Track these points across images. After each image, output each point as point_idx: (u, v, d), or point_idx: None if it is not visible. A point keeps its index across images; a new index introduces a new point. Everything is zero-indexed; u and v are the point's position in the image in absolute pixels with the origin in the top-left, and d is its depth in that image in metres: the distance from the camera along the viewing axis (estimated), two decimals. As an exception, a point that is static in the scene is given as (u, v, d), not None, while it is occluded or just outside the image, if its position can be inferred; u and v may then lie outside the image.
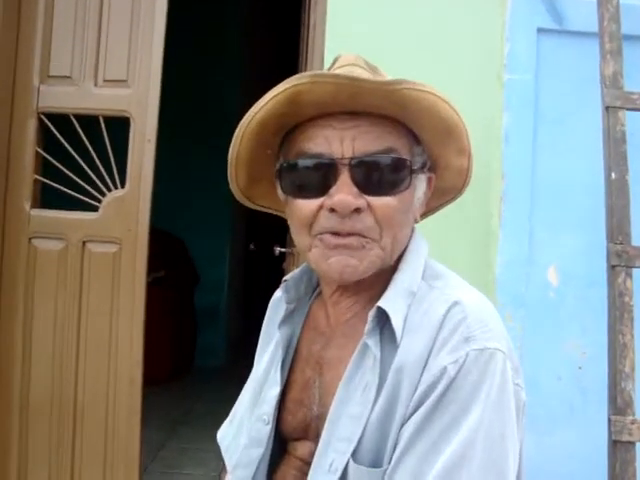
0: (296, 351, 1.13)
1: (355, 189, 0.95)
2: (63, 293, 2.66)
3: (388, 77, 1.01)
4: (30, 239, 2.69)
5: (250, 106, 1.01)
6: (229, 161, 1.06)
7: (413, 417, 0.89)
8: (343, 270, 0.96)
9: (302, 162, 0.98)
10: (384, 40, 2.47)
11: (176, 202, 5.45)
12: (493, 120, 2.42)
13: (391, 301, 0.97)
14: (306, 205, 0.98)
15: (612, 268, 1.87)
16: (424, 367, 0.91)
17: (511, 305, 2.38)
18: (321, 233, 0.98)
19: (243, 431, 1.13)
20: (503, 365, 0.90)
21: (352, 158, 0.95)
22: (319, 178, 0.97)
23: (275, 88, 0.97)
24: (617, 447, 1.77)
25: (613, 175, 1.91)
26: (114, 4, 2.70)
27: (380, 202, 0.96)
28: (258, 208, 1.21)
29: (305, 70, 2.67)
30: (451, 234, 1.63)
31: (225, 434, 1.23)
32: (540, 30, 2.44)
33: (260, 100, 0.99)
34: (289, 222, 1.07)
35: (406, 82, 0.94)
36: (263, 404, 1.09)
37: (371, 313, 0.96)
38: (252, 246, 3.02)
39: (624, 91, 1.97)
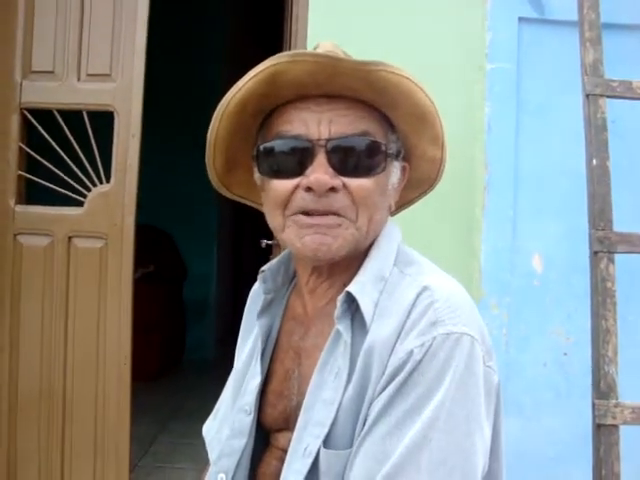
0: (276, 342, 1.14)
1: (331, 170, 0.97)
2: (50, 289, 2.65)
3: None
4: (15, 235, 2.69)
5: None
6: (207, 142, 1.07)
7: (379, 397, 0.91)
8: (318, 248, 0.98)
9: (279, 143, 1.00)
10: (366, 31, 2.48)
11: (163, 196, 5.43)
12: (475, 109, 2.44)
13: (360, 286, 0.98)
14: (282, 185, 0.99)
15: (594, 254, 1.88)
16: (392, 350, 0.92)
17: (497, 293, 2.41)
18: (295, 213, 0.99)
19: (226, 423, 1.14)
20: (471, 348, 0.91)
21: (328, 140, 0.97)
22: (296, 159, 0.98)
23: (255, 68, 0.98)
24: (601, 430, 1.79)
25: (594, 162, 1.92)
26: (96, -2, 2.69)
27: (356, 183, 0.98)
28: (234, 197, 1.22)
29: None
30: (435, 224, 1.65)
31: (209, 428, 1.24)
32: (521, 19, 2.47)
33: (240, 80, 1.00)
34: (264, 206, 1.08)
35: (384, 64, 0.96)
36: (245, 395, 1.10)
37: (340, 297, 0.98)
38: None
39: (604, 79, 1.98)
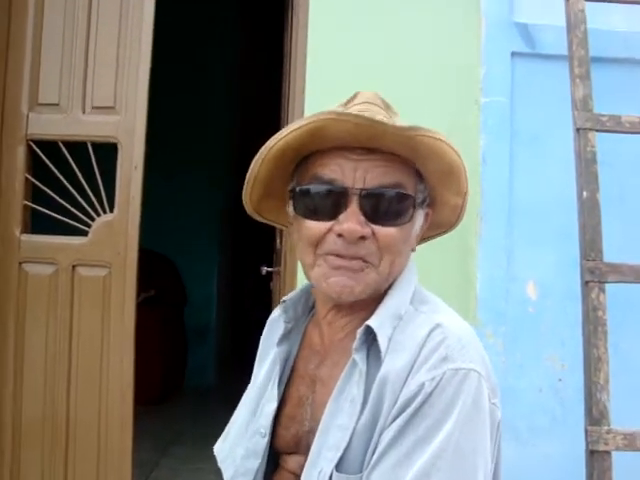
0: (293, 369, 1.19)
1: (362, 218, 1.02)
2: (54, 317, 2.69)
3: (398, 117, 1.10)
4: (20, 264, 2.73)
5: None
6: (247, 180, 1.13)
7: (390, 427, 0.96)
8: (341, 290, 1.04)
9: (316, 186, 1.06)
10: (362, 66, 2.55)
11: (164, 222, 5.49)
12: (471, 141, 2.50)
13: (379, 321, 1.03)
14: (316, 226, 1.05)
15: (586, 284, 1.94)
16: (404, 383, 0.97)
17: (492, 321, 2.45)
18: (326, 254, 1.05)
19: (240, 443, 1.18)
20: (478, 384, 0.96)
21: (362, 189, 1.03)
22: (330, 203, 1.04)
23: (298, 121, 1.05)
24: (594, 456, 1.83)
25: (585, 194, 1.98)
26: (101, 32, 2.75)
27: (384, 231, 1.04)
28: (265, 221, 1.28)
29: (289, 90, 2.75)
30: (432, 253, 1.69)
31: (221, 448, 1.28)
32: (514, 54, 2.54)
33: (283, 130, 1.06)
34: (295, 239, 1.14)
35: (422, 129, 1.01)
36: (260, 418, 1.15)
37: (359, 330, 1.03)
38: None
39: (594, 113, 2.05)
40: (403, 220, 1.06)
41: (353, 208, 1.02)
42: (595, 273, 1.93)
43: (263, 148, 1.08)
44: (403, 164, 1.07)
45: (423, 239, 1.23)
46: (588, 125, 2.04)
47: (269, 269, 3.09)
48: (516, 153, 2.51)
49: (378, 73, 2.54)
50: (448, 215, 1.18)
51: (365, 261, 1.04)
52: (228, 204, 6.44)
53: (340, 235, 1.02)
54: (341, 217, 1.03)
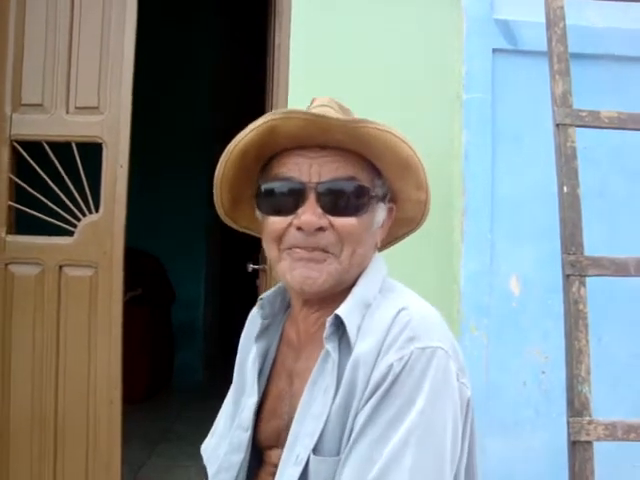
0: (273, 365, 1.23)
1: (320, 210, 1.08)
2: (41, 317, 2.69)
3: (355, 116, 1.14)
4: (6, 265, 2.73)
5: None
6: (214, 183, 1.21)
7: (364, 409, 1.00)
8: (304, 281, 1.09)
9: (276, 185, 1.12)
10: (344, 63, 2.57)
11: (150, 220, 5.47)
12: (453, 138, 2.53)
13: (347, 310, 1.08)
14: (277, 222, 1.11)
15: (567, 277, 1.96)
16: (374, 365, 1.01)
17: (475, 315, 2.48)
18: (288, 248, 1.10)
19: (224, 439, 1.22)
20: (445, 362, 1.01)
21: (318, 183, 1.08)
22: (290, 199, 1.10)
23: (254, 122, 1.10)
24: (576, 447, 1.85)
25: (565, 189, 2.00)
26: (83, 31, 2.76)
27: (341, 221, 1.09)
28: (240, 229, 1.34)
29: (273, 90, 2.77)
30: (415, 250, 1.71)
31: (207, 446, 1.32)
32: (495, 50, 2.56)
33: (241, 132, 1.12)
34: (263, 238, 1.19)
35: (367, 121, 1.07)
36: (242, 412, 1.19)
37: (328, 319, 1.07)
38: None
39: (573, 109, 2.07)
40: (360, 211, 1.10)
41: (310, 201, 1.08)
42: (576, 267, 1.96)
43: (225, 150, 1.15)
44: (358, 160, 1.12)
45: (395, 238, 1.29)
46: (568, 121, 2.06)
47: (255, 266, 3.09)
48: (498, 149, 2.54)
49: (359, 70, 2.56)
50: (412, 211, 1.22)
51: (326, 251, 1.09)
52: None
53: (299, 228, 1.08)
54: (299, 211, 1.08)
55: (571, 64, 2.16)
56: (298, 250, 1.09)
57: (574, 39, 2.21)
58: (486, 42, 2.56)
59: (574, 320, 1.92)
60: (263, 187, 1.14)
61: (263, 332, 1.23)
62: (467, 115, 2.54)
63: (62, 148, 2.76)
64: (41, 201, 2.75)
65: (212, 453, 1.25)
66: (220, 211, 1.27)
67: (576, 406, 1.88)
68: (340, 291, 1.12)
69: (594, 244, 2.06)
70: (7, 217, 2.75)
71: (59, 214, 2.75)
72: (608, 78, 2.55)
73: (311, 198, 1.08)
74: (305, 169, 1.09)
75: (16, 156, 2.79)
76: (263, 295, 1.26)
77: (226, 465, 1.17)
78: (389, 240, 1.27)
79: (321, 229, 1.08)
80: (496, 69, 2.56)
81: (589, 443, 1.85)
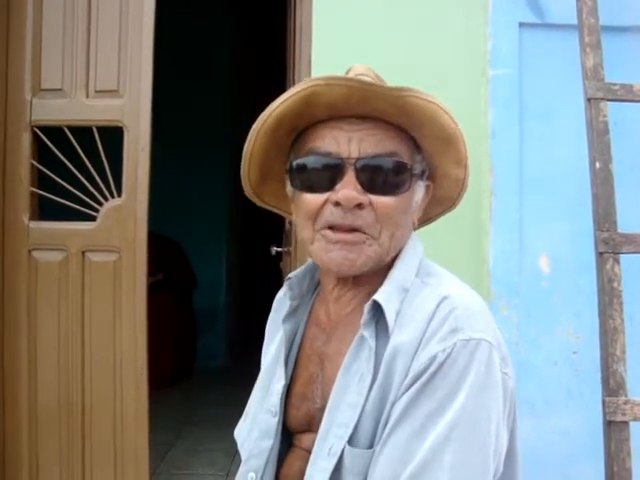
0: (300, 347, 1.20)
1: (359, 187, 1.03)
2: (65, 303, 2.70)
3: None
4: (30, 251, 2.73)
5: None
6: (243, 155, 1.14)
7: (401, 399, 0.96)
8: (342, 262, 1.04)
9: (312, 159, 1.06)
10: (369, 40, 2.52)
11: (171, 204, 5.47)
12: (480, 115, 2.48)
13: (387, 295, 1.04)
14: (313, 199, 1.06)
15: (600, 255, 1.93)
16: (414, 356, 0.98)
17: (505, 295, 2.44)
18: (324, 228, 1.05)
19: (255, 425, 1.19)
20: (489, 354, 0.97)
21: (358, 159, 1.03)
22: (327, 175, 1.05)
23: (292, 88, 1.05)
24: (611, 427, 1.83)
25: (597, 165, 1.96)
26: (102, 15, 2.73)
27: (381, 200, 1.04)
28: (265, 206, 1.29)
29: (293, 73, 2.73)
30: (443, 230, 1.67)
31: (240, 431, 1.29)
32: (522, 24, 2.49)
33: (278, 98, 1.06)
34: (294, 217, 1.15)
35: (412, 90, 1.02)
36: (270, 397, 1.16)
37: (367, 305, 1.03)
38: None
39: (605, 82, 2.02)
40: (401, 189, 1.06)
41: (349, 177, 1.03)
42: (609, 244, 1.92)
43: (258, 120, 1.09)
44: (398, 133, 1.07)
45: (429, 219, 1.24)
46: (599, 95, 2.02)
47: (279, 249, 3.08)
48: (526, 125, 2.48)
49: (384, 47, 2.51)
50: (450, 188, 1.17)
51: (364, 233, 1.04)
52: (235, 185, 6.41)
53: (337, 204, 1.03)
54: (337, 187, 1.03)
55: (601, 36, 2.11)
56: (333, 233, 1.04)
57: (604, 11, 2.16)
58: (512, 16, 2.49)
59: (608, 298, 1.89)
60: (297, 162, 1.09)
61: (291, 314, 1.20)
62: (494, 92, 2.48)
63: (83, 132, 2.74)
64: (63, 187, 2.74)
65: (246, 437, 1.23)
66: (246, 186, 1.21)
67: (611, 386, 1.85)
68: (375, 271, 1.08)
69: (626, 221, 2.02)
70: (30, 203, 2.75)
71: (81, 199, 2.73)
72: (640, 50, 2.48)
73: (350, 174, 1.03)
74: (344, 143, 1.04)
75: (37, 142, 2.77)
76: (291, 274, 1.22)
77: (256, 451, 1.14)
78: (423, 220, 1.22)
79: (360, 206, 1.02)
80: (523, 44, 2.49)
81: (625, 423, 1.83)
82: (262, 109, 1.08)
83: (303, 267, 1.24)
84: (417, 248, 1.14)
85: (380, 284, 1.07)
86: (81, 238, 2.71)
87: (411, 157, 1.09)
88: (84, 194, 2.74)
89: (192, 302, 6.02)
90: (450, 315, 0.98)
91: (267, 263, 4.11)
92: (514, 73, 2.47)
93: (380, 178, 1.04)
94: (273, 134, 1.10)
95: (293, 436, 1.16)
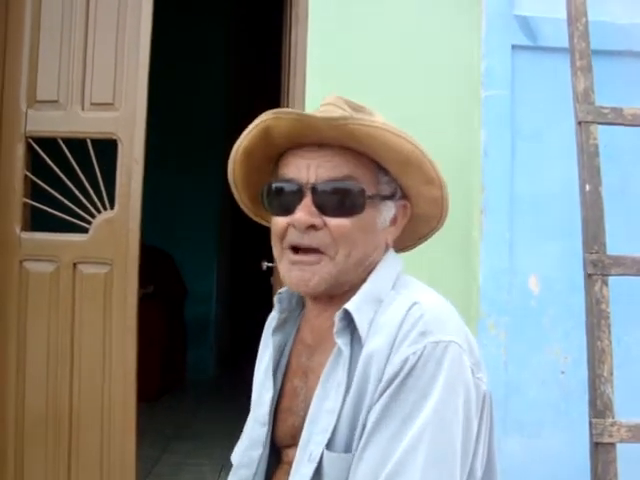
0: (288, 362, 1.23)
1: (314, 209, 1.09)
2: (56, 314, 2.69)
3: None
4: (21, 262, 2.73)
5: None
6: (230, 183, 1.24)
7: (377, 403, 1.00)
8: (298, 283, 1.11)
9: (278, 185, 1.14)
10: (362, 60, 2.55)
11: (163, 216, 5.48)
12: (472, 135, 2.50)
13: (356, 305, 1.08)
14: (280, 221, 1.13)
15: (589, 277, 1.94)
16: (387, 361, 1.01)
17: (495, 314, 2.46)
18: (287, 248, 1.12)
19: (246, 434, 1.22)
20: (459, 356, 1.01)
21: (314, 184, 1.09)
22: (289, 199, 1.11)
23: (251, 124, 1.14)
24: (598, 449, 1.83)
25: (587, 187, 1.98)
26: (99, 28, 2.75)
27: (335, 222, 1.09)
28: (268, 224, 1.31)
29: (288, 83, 2.75)
30: (434, 248, 1.68)
31: (236, 453, 1.30)
32: (515, 47, 2.53)
33: (243, 133, 1.16)
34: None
35: (352, 118, 1.07)
36: (260, 407, 1.19)
37: (337, 314, 1.07)
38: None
39: (595, 106, 2.05)
40: (354, 211, 1.09)
41: (306, 201, 1.09)
42: (598, 266, 1.93)
43: (232, 151, 1.19)
44: (356, 158, 1.11)
45: (419, 238, 1.28)
46: (590, 118, 2.04)
47: (269, 264, 3.09)
48: (517, 146, 2.51)
49: (377, 66, 2.53)
50: (428, 207, 1.19)
51: (320, 252, 1.09)
52: (227, 199, 6.43)
53: (293, 225, 1.10)
54: (296, 210, 1.10)
55: (593, 60, 2.13)
56: (293, 254, 1.11)
57: (596, 35, 2.18)
58: (505, 38, 2.53)
59: (596, 320, 1.90)
60: (267, 187, 1.16)
61: (280, 327, 1.24)
62: (486, 112, 2.51)
63: (76, 144, 2.75)
64: (56, 198, 2.74)
65: (238, 447, 1.25)
66: (245, 209, 1.30)
67: (598, 407, 1.86)
68: (350, 290, 1.12)
69: (616, 243, 2.04)
70: (22, 214, 2.75)
71: (74, 211, 2.74)
72: (631, 75, 2.51)
73: (307, 198, 1.09)
74: (303, 170, 1.11)
75: (31, 153, 2.78)
76: (282, 290, 1.26)
77: (246, 461, 1.17)
78: (414, 239, 1.26)
79: (314, 227, 1.08)
80: (515, 66, 2.53)
81: (612, 445, 1.84)
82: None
83: None
84: (393, 265, 1.17)
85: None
86: (73, 250, 2.71)
87: (373, 178, 1.13)
88: (77, 206, 2.74)
89: (183, 314, 6.01)
90: (420, 320, 1.02)
91: (257, 277, 4.11)
92: (506, 94, 2.50)
93: (334, 201, 1.09)
94: (248, 162, 1.19)
95: (281, 451, 1.19)
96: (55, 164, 2.76)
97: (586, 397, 1.95)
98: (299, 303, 1.27)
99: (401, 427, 0.97)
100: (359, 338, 1.06)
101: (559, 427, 2.47)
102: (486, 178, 2.48)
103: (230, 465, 1.25)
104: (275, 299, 1.25)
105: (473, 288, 2.47)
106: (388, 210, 1.15)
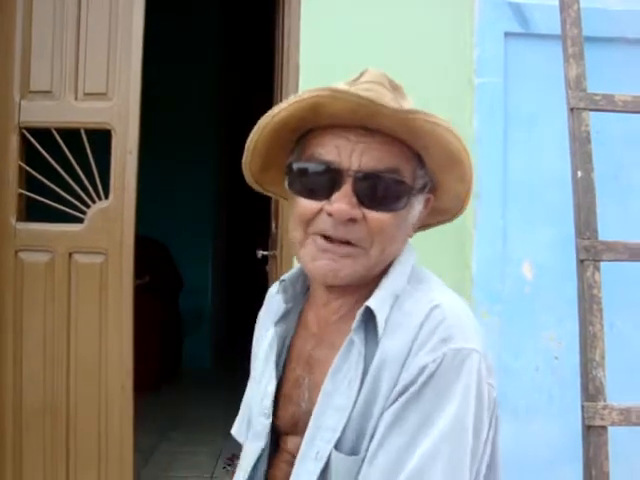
0: (289, 349, 1.20)
1: (354, 200, 1.02)
2: (51, 305, 2.70)
3: (408, 100, 1.09)
4: (16, 252, 2.73)
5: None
6: (246, 148, 1.13)
7: (391, 409, 0.97)
8: (326, 273, 1.04)
9: (312, 166, 1.05)
10: (356, 47, 2.54)
11: (158, 207, 5.47)
12: (465, 123, 2.51)
13: (379, 302, 1.04)
14: (308, 205, 1.05)
15: (581, 262, 1.96)
16: (403, 364, 0.98)
17: (488, 301, 2.47)
18: (315, 233, 1.05)
19: (252, 427, 1.21)
20: (478, 365, 0.98)
21: (357, 171, 1.02)
22: (324, 183, 1.03)
23: (298, 94, 1.04)
24: (590, 432, 1.85)
25: (579, 174, 1.99)
26: (91, 18, 2.74)
27: (375, 216, 1.03)
28: (268, 194, 1.29)
29: (281, 74, 2.75)
30: (427, 235, 1.69)
31: (239, 430, 1.32)
32: (507, 34, 2.54)
33: (284, 102, 1.05)
34: (291, 216, 1.12)
35: (421, 112, 1.00)
36: (264, 399, 1.16)
37: (359, 311, 1.04)
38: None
39: (587, 93, 2.06)
40: (397, 207, 1.04)
41: (346, 189, 1.01)
42: (590, 251, 1.95)
43: (264, 117, 1.07)
44: (402, 149, 1.05)
45: (425, 227, 1.23)
46: (582, 105, 2.05)
47: (265, 252, 3.10)
48: (510, 133, 2.52)
49: (371, 54, 2.53)
50: (451, 202, 1.17)
51: (354, 246, 1.03)
52: (221, 188, 6.44)
53: (330, 215, 1.02)
54: (333, 197, 1.02)
55: (585, 47, 2.14)
56: (325, 241, 1.04)
57: (588, 22, 2.19)
58: (498, 26, 2.53)
59: (588, 305, 1.92)
60: (297, 166, 1.08)
61: (284, 316, 1.21)
62: (479, 99, 2.52)
63: (71, 134, 2.75)
64: (51, 188, 2.74)
65: (246, 437, 1.25)
66: (248, 176, 1.20)
67: (590, 391, 1.88)
68: (364, 281, 1.09)
69: (608, 228, 2.05)
70: (17, 204, 2.75)
71: (69, 201, 2.74)
72: (622, 62, 2.52)
73: (347, 186, 1.01)
74: (345, 154, 1.02)
75: (25, 143, 2.78)
76: (285, 276, 1.22)
77: (249, 451, 1.16)
78: (417, 226, 1.19)
79: (353, 220, 1.02)
80: (508, 53, 2.53)
81: (604, 428, 1.86)
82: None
83: (296, 269, 1.24)
84: (410, 256, 1.14)
85: (369, 292, 1.07)
86: (68, 240, 2.71)
87: (413, 173, 1.08)
88: (72, 196, 2.74)
89: (178, 304, 6.02)
90: (441, 324, 0.99)
91: (253, 266, 4.12)
92: (499, 81, 2.51)
93: (377, 194, 1.03)
94: (277, 133, 1.09)
95: (280, 437, 1.17)
96: (49, 154, 2.76)
97: (579, 382, 1.97)
98: (303, 288, 1.24)
99: (416, 435, 0.94)
100: (374, 335, 1.03)
101: (553, 412, 2.49)
102: (479, 165, 2.47)
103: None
104: (279, 287, 1.22)
105: (466, 275, 2.48)
106: (418, 204, 1.11)
